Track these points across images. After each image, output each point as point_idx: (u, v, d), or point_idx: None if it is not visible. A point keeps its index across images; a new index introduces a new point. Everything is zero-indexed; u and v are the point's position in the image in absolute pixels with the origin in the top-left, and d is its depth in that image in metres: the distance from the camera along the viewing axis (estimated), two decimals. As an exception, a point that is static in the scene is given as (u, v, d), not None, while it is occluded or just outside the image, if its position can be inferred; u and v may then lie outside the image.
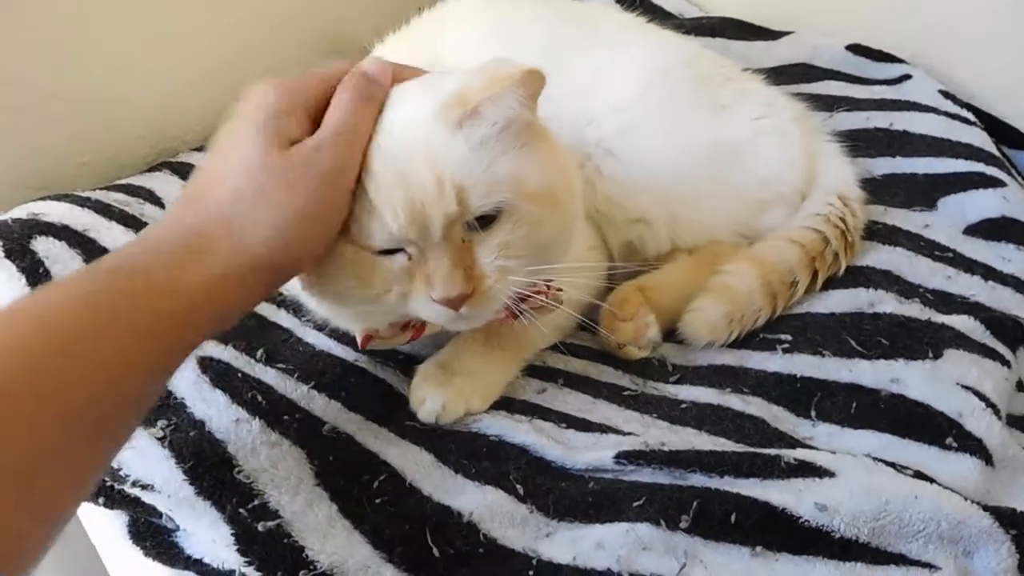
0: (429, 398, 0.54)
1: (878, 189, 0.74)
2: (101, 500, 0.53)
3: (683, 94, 0.71)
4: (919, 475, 0.48)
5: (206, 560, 0.47)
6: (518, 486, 0.48)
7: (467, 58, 0.69)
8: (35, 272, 0.57)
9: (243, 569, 0.45)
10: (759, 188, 0.69)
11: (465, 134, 0.47)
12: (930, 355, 0.57)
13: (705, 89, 0.72)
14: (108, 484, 0.52)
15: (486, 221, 0.47)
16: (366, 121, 0.47)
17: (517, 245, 0.48)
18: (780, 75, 0.86)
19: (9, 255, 0.57)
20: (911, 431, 0.52)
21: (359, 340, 0.57)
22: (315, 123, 0.46)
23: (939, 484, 0.47)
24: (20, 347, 0.36)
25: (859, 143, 0.78)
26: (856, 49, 0.92)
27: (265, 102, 0.46)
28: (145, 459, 0.50)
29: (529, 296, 0.50)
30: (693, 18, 1.03)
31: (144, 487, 0.50)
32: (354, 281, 0.48)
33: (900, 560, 0.44)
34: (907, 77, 0.88)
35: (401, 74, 0.50)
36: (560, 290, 0.54)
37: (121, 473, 0.50)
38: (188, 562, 0.48)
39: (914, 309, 0.61)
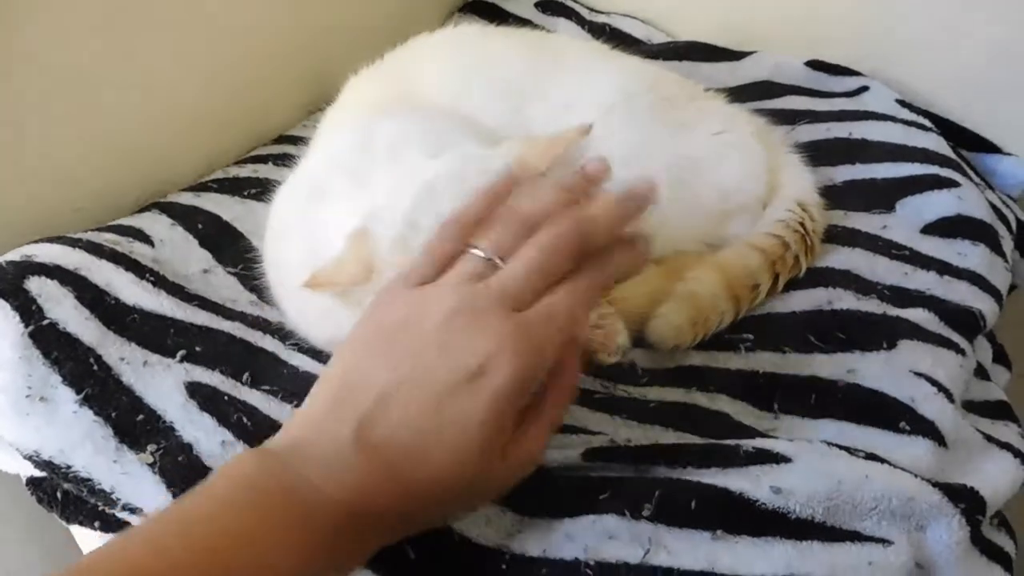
0: None
1: (839, 195, 0.77)
2: (97, 524, 0.55)
3: (645, 115, 0.74)
4: (871, 457, 0.50)
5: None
6: (489, 486, 0.49)
7: (444, 91, 0.73)
8: (28, 310, 0.59)
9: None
10: (721, 199, 0.72)
11: None
12: (885, 346, 0.59)
13: (668, 109, 0.76)
14: (101, 509, 0.54)
15: None
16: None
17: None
18: (744, 93, 0.89)
19: (3, 295, 0.59)
20: (866, 418, 0.54)
21: None
22: None
23: (891, 464, 0.49)
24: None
25: (820, 153, 0.80)
26: (815, 65, 0.95)
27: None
28: (136, 484, 0.52)
29: None
30: (661, 43, 1.07)
31: (134, 511, 0.52)
32: None
33: (854, 537, 0.46)
34: (864, 89, 0.91)
35: None
36: None
37: (113, 497, 0.52)
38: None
39: (871, 305, 0.63)
